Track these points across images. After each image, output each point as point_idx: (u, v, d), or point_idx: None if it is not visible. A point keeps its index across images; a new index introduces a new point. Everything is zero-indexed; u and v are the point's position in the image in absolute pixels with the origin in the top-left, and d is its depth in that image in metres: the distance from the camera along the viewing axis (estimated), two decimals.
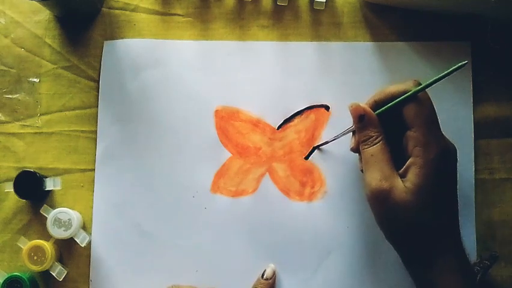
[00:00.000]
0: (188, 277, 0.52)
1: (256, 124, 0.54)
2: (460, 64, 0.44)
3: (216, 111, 0.54)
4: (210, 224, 0.53)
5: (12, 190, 0.51)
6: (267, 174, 0.53)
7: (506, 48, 0.53)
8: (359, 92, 0.53)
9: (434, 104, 0.53)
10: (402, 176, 0.44)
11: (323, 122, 0.54)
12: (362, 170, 0.49)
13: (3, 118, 0.55)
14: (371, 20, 0.55)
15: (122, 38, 0.55)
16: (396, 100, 0.45)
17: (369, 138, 0.46)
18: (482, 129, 0.53)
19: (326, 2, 0.54)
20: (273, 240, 0.52)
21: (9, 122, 0.55)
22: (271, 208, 0.53)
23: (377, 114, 0.46)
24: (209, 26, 0.55)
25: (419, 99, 0.45)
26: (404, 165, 0.45)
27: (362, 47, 0.54)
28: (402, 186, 0.43)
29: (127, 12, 0.56)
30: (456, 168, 0.46)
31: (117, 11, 0.56)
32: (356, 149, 0.48)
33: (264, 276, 0.51)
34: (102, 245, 0.53)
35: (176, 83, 0.54)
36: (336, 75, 0.54)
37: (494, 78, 0.54)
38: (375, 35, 0.54)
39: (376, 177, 0.44)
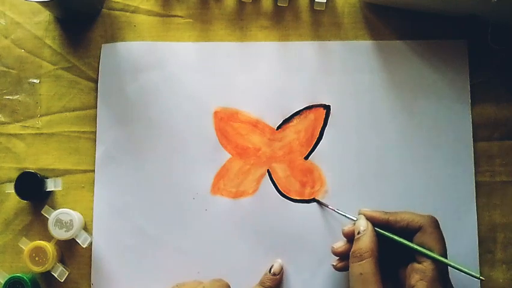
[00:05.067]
0: (190, 278, 0.51)
1: (256, 125, 0.54)
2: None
3: (215, 112, 0.54)
4: (211, 226, 0.53)
5: (13, 191, 0.51)
6: (267, 174, 0.53)
7: (506, 48, 0.53)
8: (358, 91, 0.54)
9: (432, 104, 0.53)
10: None
11: (322, 121, 0.54)
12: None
13: (3, 119, 0.55)
14: (371, 21, 0.55)
15: (122, 39, 0.55)
16: (414, 247, 0.45)
17: (360, 250, 0.45)
18: (483, 131, 0.53)
19: (326, 2, 0.53)
20: (273, 240, 0.52)
21: (10, 123, 0.55)
22: (272, 208, 0.53)
23: (380, 235, 0.46)
24: (209, 27, 0.55)
25: (435, 235, 0.45)
26: None
27: (360, 45, 0.54)
28: None
29: (127, 14, 0.56)
30: None
31: (117, 12, 0.56)
32: (346, 235, 0.48)
33: (272, 272, 0.51)
34: (103, 246, 0.53)
35: (175, 85, 0.54)
36: (335, 74, 0.54)
37: (494, 79, 0.53)
38: (376, 36, 0.54)
39: None
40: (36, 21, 0.56)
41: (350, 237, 0.47)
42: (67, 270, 0.52)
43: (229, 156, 0.54)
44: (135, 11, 0.56)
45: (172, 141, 0.54)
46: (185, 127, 0.54)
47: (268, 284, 0.50)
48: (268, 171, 0.53)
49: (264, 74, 0.54)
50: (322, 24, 0.55)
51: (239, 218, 0.53)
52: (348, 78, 0.54)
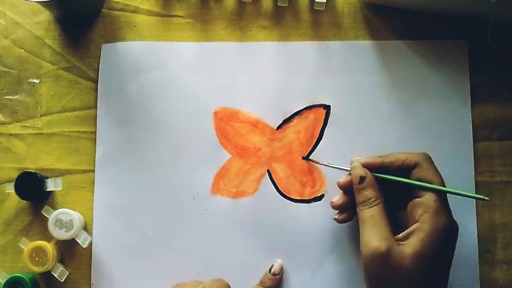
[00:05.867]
0: (190, 279, 0.51)
1: (256, 125, 0.54)
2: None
3: (215, 112, 0.54)
4: (211, 226, 0.53)
5: (13, 191, 0.51)
6: (267, 174, 0.53)
7: (506, 48, 0.53)
8: (358, 91, 0.54)
9: (432, 104, 0.53)
10: (401, 240, 0.44)
11: (322, 121, 0.54)
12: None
13: (3, 119, 0.55)
14: (371, 21, 0.55)
15: (122, 39, 0.55)
16: (414, 182, 0.46)
17: (368, 200, 0.46)
18: (483, 131, 0.53)
19: (326, 2, 0.53)
20: (274, 240, 0.52)
21: (10, 123, 0.55)
22: (272, 208, 0.53)
23: (379, 178, 0.47)
24: (209, 27, 0.55)
25: (432, 169, 0.46)
26: (402, 231, 0.44)
27: (360, 45, 0.54)
28: (401, 250, 0.43)
29: (127, 14, 0.56)
30: (455, 247, 0.46)
31: (117, 12, 0.56)
32: (342, 187, 0.48)
33: (272, 271, 0.51)
34: (103, 246, 0.53)
35: (175, 85, 0.54)
36: (335, 74, 0.54)
37: (494, 79, 0.53)
38: (376, 36, 0.54)
39: (375, 237, 0.43)
40: (36, 21, 0.56)
41: (346, 188, 0.48)
42: (67, 270, 0.52)
43: (229, 156, 0.54)
44: (135, 11, 0.56)
45: (172, 141, 0.54)
46: (185, 127, 0.54)
47: (268, 284, 0.51)
48: (268, 171, 0.53)
49: (264, 74, 0.54)
50: (322, 24, 0.55)
51: (239, 218, 0.53)
52: (348, 78, 0.54)
